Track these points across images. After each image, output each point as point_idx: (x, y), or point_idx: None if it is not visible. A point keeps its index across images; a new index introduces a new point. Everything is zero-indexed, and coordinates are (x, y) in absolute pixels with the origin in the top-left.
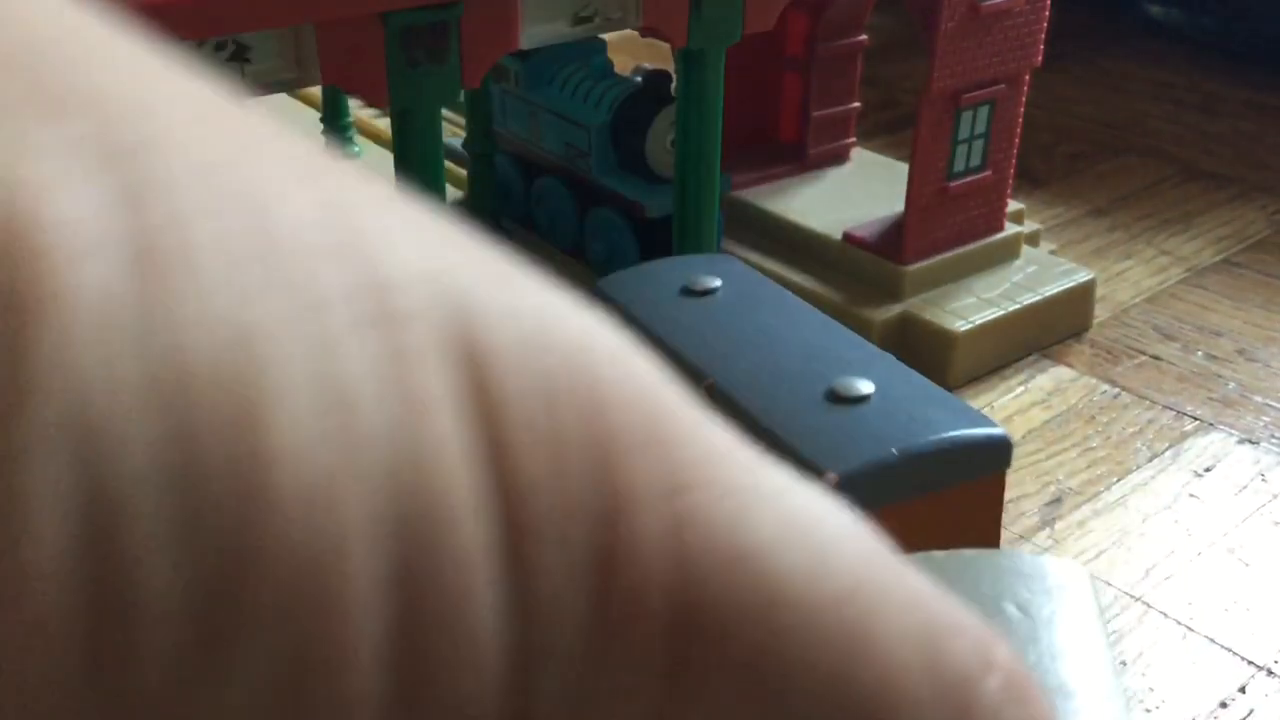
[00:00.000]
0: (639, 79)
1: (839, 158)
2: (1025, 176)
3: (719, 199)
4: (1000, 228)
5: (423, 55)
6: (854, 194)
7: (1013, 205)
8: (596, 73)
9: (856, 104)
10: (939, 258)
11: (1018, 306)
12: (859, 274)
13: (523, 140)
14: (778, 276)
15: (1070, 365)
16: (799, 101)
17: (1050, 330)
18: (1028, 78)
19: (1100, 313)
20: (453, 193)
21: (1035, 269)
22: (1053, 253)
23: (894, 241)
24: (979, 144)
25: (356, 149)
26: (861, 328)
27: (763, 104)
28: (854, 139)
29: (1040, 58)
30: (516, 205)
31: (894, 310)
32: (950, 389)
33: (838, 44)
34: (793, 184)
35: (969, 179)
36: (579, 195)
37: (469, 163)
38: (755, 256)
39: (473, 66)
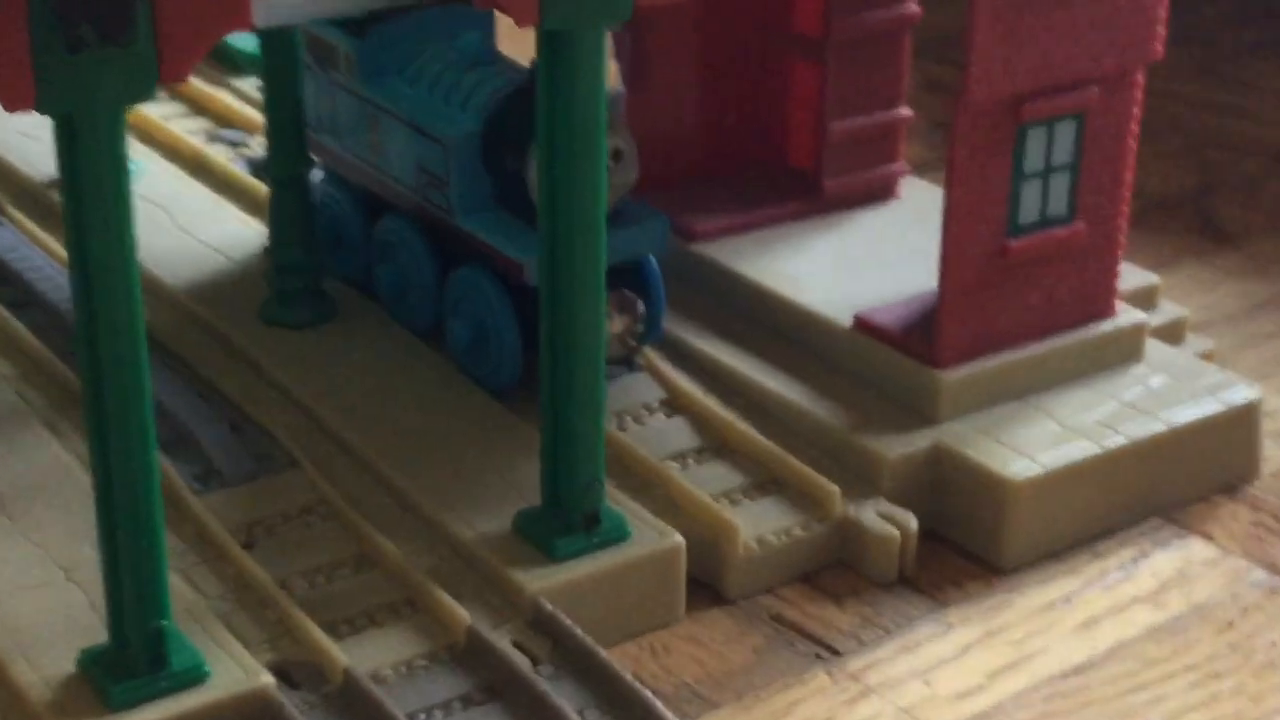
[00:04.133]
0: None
1: (877, 194)
2: (1209, 229)
3: (603, 261)
4: (1108, 312)
5: (90, 33)
6: (889, 252)
7: (1141, 277)
8: (466, 57)
9: (905, 111)
10: (997, 359)
11: (1126, 442)
12: (873, 381)
13: (358, 159)
14: (746, 382)
15: (1210, 538)
16: (814, 105)
17: (1184, 481)
18: (1140, 77)
19: (1272, 456)
20: (248, 229)
21: (1166, 381)
22: (1204, 356)
23: (925, 331)
24: (1062, 180)
25: (133, 164)
26: (869, 466)
27: (756, 109)
28: (901, 165)
29: (1160, 44)
30: (351, 257)
31: (921, 441)
32: (1004, 569)
33: (871, 16)
34: (795, 234)
35: (1045, 234)
36: (438, 245)
37: (271, 192)
38: (715, 347)
39: (176, 50)
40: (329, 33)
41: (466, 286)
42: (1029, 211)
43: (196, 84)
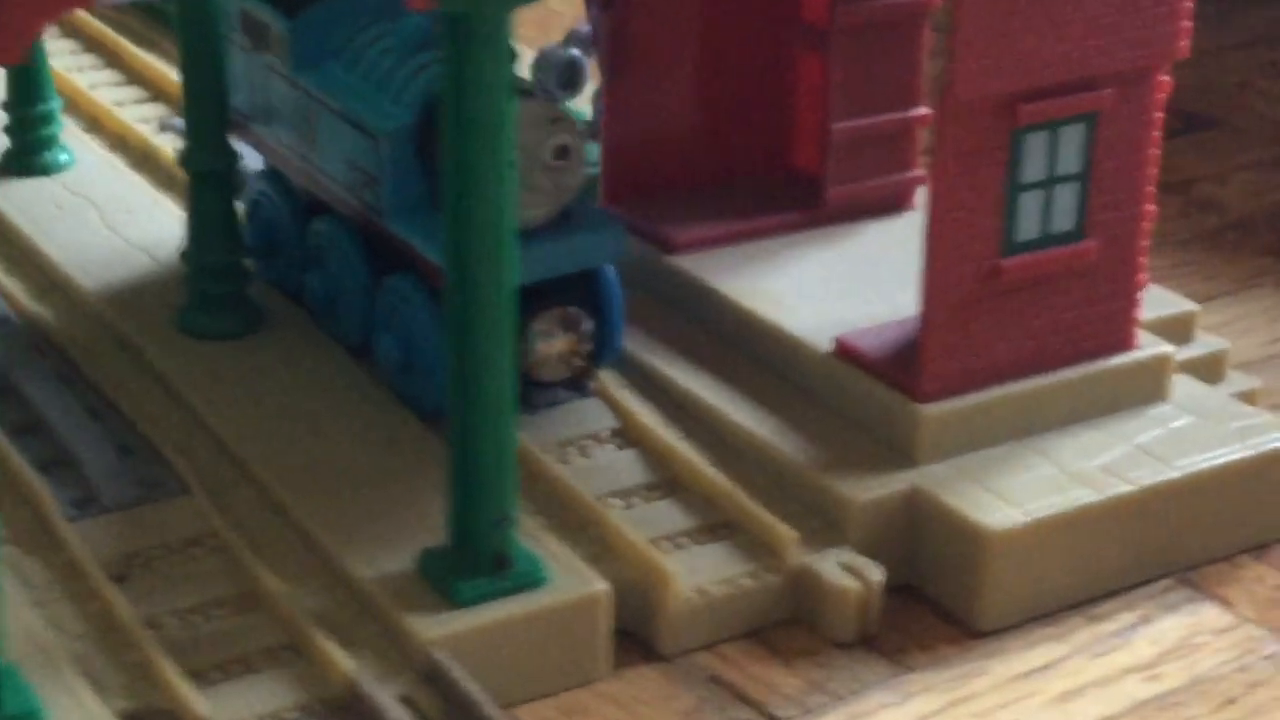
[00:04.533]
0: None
1: (887, 204)
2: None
3: (511, 273)
4: (1127, 344)
5: None
6: (893, 270)
7: (1175, 304)
8: (408, 42)
9: (922, 111)
10: (989, 394)
11: (1133, 490)
12: (851, 415)
13: (291, 152)
14: (711, 412)
15: (1227, 604)
16: (820, 103)
17: (1202, 538)
18: (1164, 77)
19: None
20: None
21: (1191, 423)
22: (1245, 396)
23: (909, 359)
24: (1069, 191)
25: (63, 154)
26: (835, 511)
27: (760, 106)
28: (919, 172)
29: (1186, 40)
30: (285, 261)
31: (896, 484)
32: (982, 631)
33: (881, 2)
34: (789, 247)
35: (1048, 253)
36: (371, 251)
37: (189, 186)
38: (682, 372)
39: (3, 30)
40: (260, 9)
41: (397, 297)
42: (1028, 227)
43: (158, 65)
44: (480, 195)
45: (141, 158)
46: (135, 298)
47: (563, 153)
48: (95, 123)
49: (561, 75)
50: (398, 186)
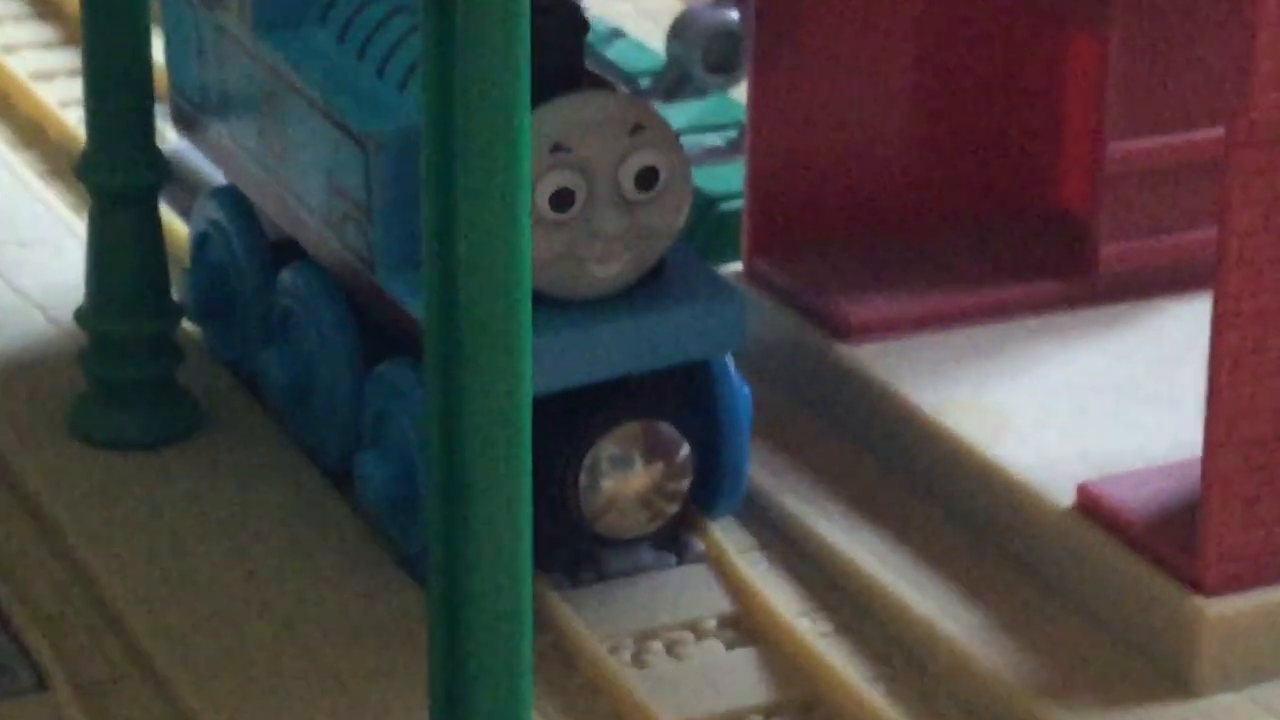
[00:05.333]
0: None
1: (1198, 271)
2: None
3: (522, 375)
4: None
5: None
6: (1191, 383)
7: None
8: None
9: None
10: None
11: None
12: (1096, 604)
13: (253, 162)
14: (878, 593)
15: None
16: (1095, 109)
17: None
18: None
19: None
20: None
21: None
22: None
23: (1185, 524)
24: None
25: None
26: None
27: (998, 111)
28: None
29: None
30: (242, 329)
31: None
32: None
33: None
34: (1027, 338)
35: None
36: (362, 320)
37: (91, 212)
38: (840, 529)
39: None
40: None
41: (389, 395)
42: None
43: None
44: (473, 245)
45: (66, 162)
46: (15, 380)
47: (649, 178)
48: (33, 125)
49: (711, 49)
50: (395, 223)
